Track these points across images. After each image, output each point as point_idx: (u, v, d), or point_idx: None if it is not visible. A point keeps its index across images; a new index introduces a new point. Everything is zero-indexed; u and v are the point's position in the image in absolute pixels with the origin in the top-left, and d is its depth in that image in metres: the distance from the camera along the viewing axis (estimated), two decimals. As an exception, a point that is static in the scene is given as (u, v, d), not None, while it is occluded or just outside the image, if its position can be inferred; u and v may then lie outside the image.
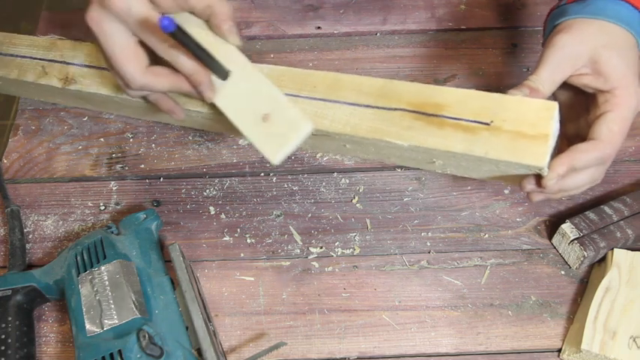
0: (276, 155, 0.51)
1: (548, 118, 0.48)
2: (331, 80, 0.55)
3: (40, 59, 0.67)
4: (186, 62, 0.52)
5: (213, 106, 0.57)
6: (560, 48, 0.53)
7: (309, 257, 0.66)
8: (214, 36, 0.55)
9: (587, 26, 0.54)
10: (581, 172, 0.52)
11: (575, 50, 0.53)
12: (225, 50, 0.55)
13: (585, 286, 0.63)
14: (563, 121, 0.52)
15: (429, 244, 0.66)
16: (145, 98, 0.58)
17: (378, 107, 0.52)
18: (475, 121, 0.49)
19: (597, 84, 0.53)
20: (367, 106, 0.53)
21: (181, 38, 0.48)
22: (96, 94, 0.64)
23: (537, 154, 0.46)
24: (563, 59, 0.53)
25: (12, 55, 0.69)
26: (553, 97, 0.56)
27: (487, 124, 0.48)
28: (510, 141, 0.47)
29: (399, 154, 0.54)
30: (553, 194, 0.53)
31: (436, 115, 0.50)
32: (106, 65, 0.55)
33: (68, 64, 0.65)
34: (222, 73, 0.54)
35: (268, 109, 0.53)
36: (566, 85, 0.55)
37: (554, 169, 0.49)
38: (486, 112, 0.49)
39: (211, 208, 0.69)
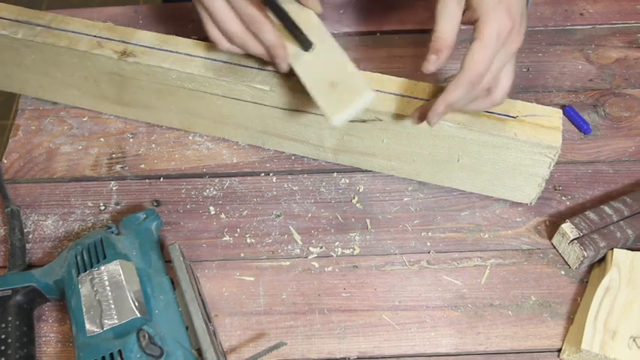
0: (336, 115, 0.57)
1: (557, 118, 0.62)
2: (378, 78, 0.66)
3: (95, 36, 0.70)
4: (267, 34, 0.58)
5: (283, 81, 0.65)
6: None
7: (309, 257, 0.66)
8: (295, 2, 0.60)
9: None
10: (459, 102, 0.58)
11: None
12: (306, 18, 0.61)
13: (585, 286, 0.63)
14: None
15: (429, 244, 0.66)
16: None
17: (424, 99, 0.64)
18: (504, 115, 0.62)
19: (471, 18, 0.58)
20: (416, 98, 0.64)
21: (274, 9, 0.57)
22: (153, 67, 0.68)
23: (553, 138, 0.61)
24: (452, 4, 0.57)
25: (63, 30, 0.71)
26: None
27: (514, 117, 0.62)
28: (532, 129, 0.61)
29: (426, 150, 0.66)
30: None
31: None
32: (206, 26, 0.62)
33: (127, 43, 0.69)
34: (307, 45, 0.59)
35: (338, 76, 0.58)
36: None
37: (435, 110, 0.57)
38: (512, 110, 0.63)
39: (211, 208, 0.69)
